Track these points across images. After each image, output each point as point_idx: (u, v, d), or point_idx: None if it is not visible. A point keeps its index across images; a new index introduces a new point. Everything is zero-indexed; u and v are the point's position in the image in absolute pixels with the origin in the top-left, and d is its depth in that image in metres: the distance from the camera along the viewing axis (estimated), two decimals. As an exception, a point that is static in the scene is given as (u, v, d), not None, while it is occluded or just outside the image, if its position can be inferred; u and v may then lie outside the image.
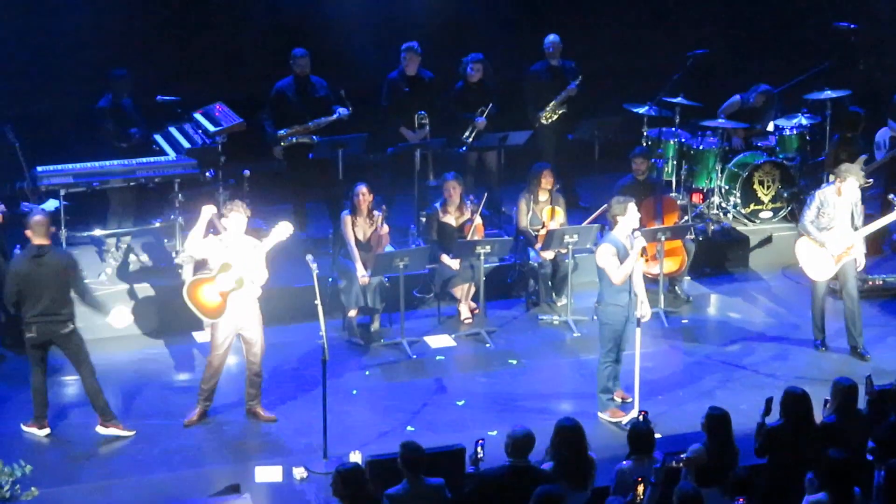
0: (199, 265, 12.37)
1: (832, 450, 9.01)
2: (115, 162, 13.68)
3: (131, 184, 13.74)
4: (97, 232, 13.96)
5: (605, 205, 13.90)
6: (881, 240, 15.16)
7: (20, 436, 11.52)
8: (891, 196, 13.35)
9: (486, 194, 14.21)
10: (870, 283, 14.39)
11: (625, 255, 11.47)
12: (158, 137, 14.34)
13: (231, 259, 11.49)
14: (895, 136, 15.38)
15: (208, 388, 11.79)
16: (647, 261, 13.64)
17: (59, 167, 13.41)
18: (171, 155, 13.97)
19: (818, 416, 10.16)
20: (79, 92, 15.14)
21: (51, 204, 13.40)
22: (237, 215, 11.54)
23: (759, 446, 9.97)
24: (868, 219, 13.21)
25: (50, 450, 11.33)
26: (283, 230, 11.58)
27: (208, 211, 11.73)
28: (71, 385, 12.43)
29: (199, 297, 11.57)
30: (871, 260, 14.06)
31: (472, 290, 13.80)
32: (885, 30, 17.85)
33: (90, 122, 14.48)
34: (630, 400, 11.75)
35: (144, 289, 13.71)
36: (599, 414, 11.75)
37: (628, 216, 11.53)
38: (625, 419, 11.57)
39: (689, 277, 14.72)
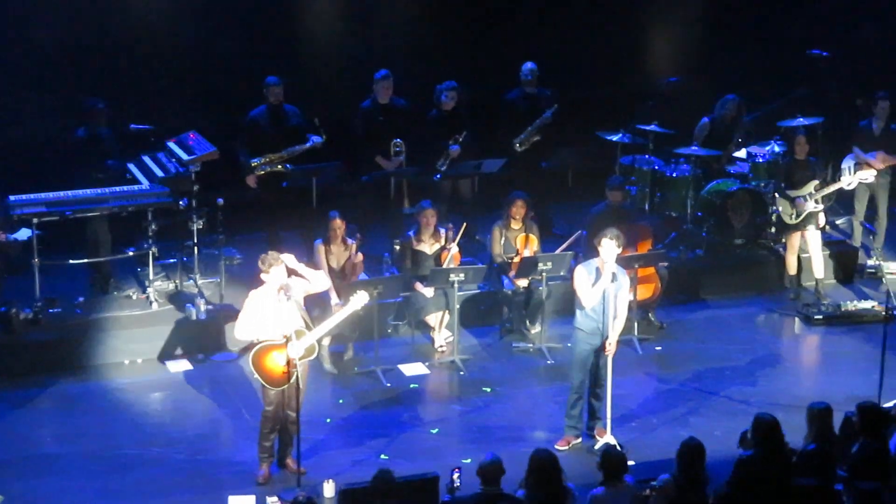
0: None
1: (801, 478, 8.93)
2: (89, 191, 13.61)
3: (104, 213, 13.70)
4: (70, 261, 13.89)
5: (577, 232, 14.02)
6: None
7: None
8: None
9: (464, 224, 14.06)
10: (843, 308, 14.53)
11: (597, 279, 11.52)
12: (132, 166, 14.26)
13: (296, 321, 10.97)
14: (859, 162, 15.40)
15: (270, 445, 11.25)
16: None
17: (32, 196, 13.35)
18: (145, 184, 13.91)
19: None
20: (51, 120, 15.10)
21: (23, 233, 13.35)
22: (277, 268, 10.94)
23: (731, 478, 9.78)
24: None
25: (19, 480, 11.24)
26: (360, 300, 11.40)
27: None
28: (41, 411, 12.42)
29: (267, 364, 10.94)
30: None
31: (446, 318, 13.80)
32: (862, 60, 17.90)
33: (65, 152, 14.41)
34: (605, 435, 11.71)
35: (118, 318, 13.67)
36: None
37: (601, 248, 11.54)
38: (566, 447, 11.65)
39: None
